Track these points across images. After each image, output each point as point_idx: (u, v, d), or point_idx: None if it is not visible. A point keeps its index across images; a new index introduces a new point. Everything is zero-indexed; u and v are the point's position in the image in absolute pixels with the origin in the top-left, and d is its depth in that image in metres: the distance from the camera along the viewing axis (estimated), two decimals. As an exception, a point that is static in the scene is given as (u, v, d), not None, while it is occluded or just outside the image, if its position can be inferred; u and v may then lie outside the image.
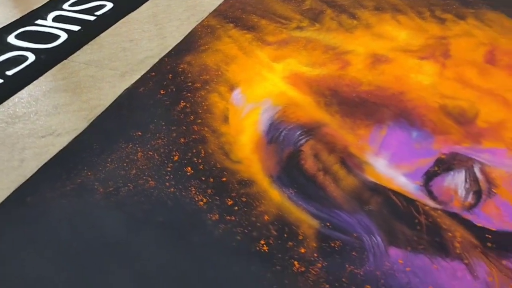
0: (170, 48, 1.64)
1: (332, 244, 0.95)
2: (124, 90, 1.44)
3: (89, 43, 1.70)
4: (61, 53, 1.65)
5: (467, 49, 1.52)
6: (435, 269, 0.90)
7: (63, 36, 1.75)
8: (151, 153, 1.20)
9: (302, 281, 0.89)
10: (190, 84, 1.46)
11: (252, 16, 1.79)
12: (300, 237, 0.97)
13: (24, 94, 1.45)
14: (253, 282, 0.89)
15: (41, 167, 1.17)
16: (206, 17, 1.80)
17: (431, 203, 1.03)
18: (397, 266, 0.91)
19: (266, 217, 1.02)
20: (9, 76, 1.53)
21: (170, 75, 1.50)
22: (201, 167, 1.15)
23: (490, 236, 0.95)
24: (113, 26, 1.78)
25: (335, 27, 1.69)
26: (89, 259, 0.95)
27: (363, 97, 1.35)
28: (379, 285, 0.88)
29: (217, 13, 1.83)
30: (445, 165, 1.11)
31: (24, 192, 1.11)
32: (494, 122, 1.23)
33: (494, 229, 0.96)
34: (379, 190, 1.07)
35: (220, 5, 1.88)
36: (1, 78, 1.52)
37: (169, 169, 1.15)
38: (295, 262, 0.92)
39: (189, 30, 1.73)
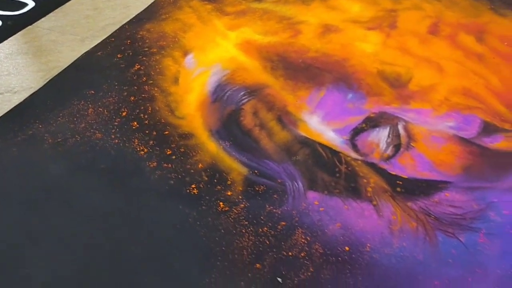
0: (132, 16, 1.72)
1: (257, 189, 1.05)
2: (83, 54, 1.53)
3: (55, 10, 1.78)
4: (27, 20, 1.73)
5: (413, 21, 1.61)
6: (345, 209, 1.00)
7: (31, 4, 1.83)
8: (101, 109, 1.29)
9: (224, 219, 0.99)
10: (146, 49, 1.54)
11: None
12: (229, 182, 1.07)
13: (-13, 56, 1.53)
14: (178, 220, 0.99)
15: (-3, 120, 1.26)
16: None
17: (353, 154, 1.13)
18: (312, 206, 1.01)
19: (200, 165, 1.12)
20: (-26, 39, 1.62)
21: (129, 41, 1.58)
22: (146, 122, 1.25)
23: (400, 183, 1.05)
24: (79, -5, 1.86)
25: (293, 0, 1.78)
26: (33, 202, 1.04)
27: (308, 63, 1.44)
28: (293, 222, 0.98)
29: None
30: (372, 122, 1.21)
31: (-22, 141, 1.20)
32: (425, 85, 1.33)
33: (405, 177, 1.06)
34: (308, 143, 1.17)
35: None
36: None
37: (116, 123, 1.24)
38: (221, 203, 1.02)
39: (152, 0, 1.81)
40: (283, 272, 0.88)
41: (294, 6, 1.73)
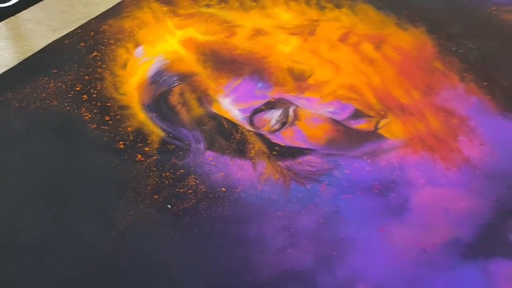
0: (100, 13, 2.10)
1: (168, 147, 1.43)
2: (53, 41, 1.90)
3: (35, 5, 2.16)
4: (11, 11, 2.11)
5: (329, 30, 1.99)
6: (231, 164, 1.37)
7: (16, -2, 2.20)
8: (60, 84, 1.67)
9: (139, 166, 1.36)
10: (106, 40, 1.92)
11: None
12: (148, 142, 1.44)
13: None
14: (106, 165, 1.36)
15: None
16: (134, -9, 2.26)
17: (248, 127, 1.50)
18: (206, 161, 1.38)
19: (129, 129, 1.49)
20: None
21: (92, 33, 1.96)
22: (94, 95, 1.62)
23: (277, 148, 1.42)
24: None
25: (237, 7, 2.16)
26: (-3, 145, 1.41)
27: (234, 58, 1.82)
28: (189, 170, 1.35)
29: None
30: (270, 105, 1.59)
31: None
32: (321, 81, 1.70)
33: (283, 145, 1.44)
34: (216, 118, 1.54)
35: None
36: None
37: (70, 95, 1.62)
38: (139, 155, 1.39)
39: (119, 0, 2.19)
40: (173, 202, 1.25)
41: (236, 13, 2.11)
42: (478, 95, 1.61)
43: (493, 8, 2.12)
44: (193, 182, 1.30)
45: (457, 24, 2.01)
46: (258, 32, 1.97)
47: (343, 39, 1.92)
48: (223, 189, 1.28)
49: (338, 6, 2.15)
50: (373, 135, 1.46)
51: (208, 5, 2.16)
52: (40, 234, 1.17)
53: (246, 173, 1.33)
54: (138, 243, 1.14)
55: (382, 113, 1.54)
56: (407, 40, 1.91)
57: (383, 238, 1.16)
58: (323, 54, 1.83)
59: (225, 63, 1.78)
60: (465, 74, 1.71)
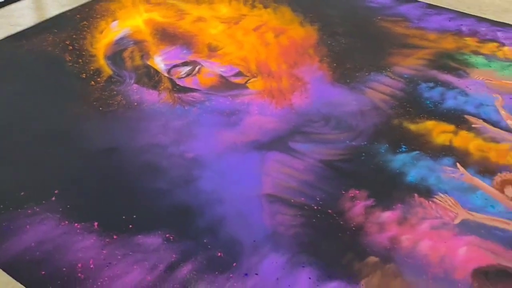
0: (96, -3, 3.11)
1: (112, 80, 2.40)
2: (60, 13, 2.91)
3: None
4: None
5: (250, 22, 2.93)
6: (146, 92, 2.33)
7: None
8: (56, 38, 2.66)
9: (91, 87, 2.33)
10: (94, 15, 2.92)
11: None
12: (101, 76, 2.42)
13: None
14: (72, 85, 2.33)
15: None
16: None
17: (166, 74, 2.46)
18: (132, 89, 2.34)
19: (92, 68, 2.47)
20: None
21: (87, 9, 2.96)
22: (76, 47, 2.62)
23: (177, 87, 2.37)
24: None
25: (193, 1, 3.13)
26: None
27: (176, 34, 2.78)
28: (119, 93, 2.31)
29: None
30: (185, 63, 2.54)
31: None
32: (226, 52, 2.64)
33: (181, 85, 2.38)
34: (148, 67, 2.50)
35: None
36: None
37: (60, 45, 2.61)
38: (92, 82, 2.37)
39: (112, -10, 3.19)
40: (104, 106, 2.22)
41: (190, 5, 3.07)
42: (324, 71, 2.52)
43: (379, 17, 3.01)
44: (119, 98, 2.26)
45: (343, 27, 2.91)
46: (199, 19, 2.93)
47: (256, 29, 2.86)
48: (136, 104, 2.24)
49: (265, 6, 3.09)
50: (242, 86, 2.40)
51: (173, -2, 3.14)
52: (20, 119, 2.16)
53: (153, 97, 2.29)
54: (81, 122, 2.11)
55: (255, 75, 2.47)
56: (300, 33, 2.83)
57: (217, 137, 2.09)
58: (236, 37, 2.77)
59: (168, 36, 2.75)
60: (325, 58, 2.62)
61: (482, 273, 1.54)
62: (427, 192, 1.81)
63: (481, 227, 1.69)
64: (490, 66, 2.52)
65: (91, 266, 1.51)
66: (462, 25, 2.91)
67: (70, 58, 2.49)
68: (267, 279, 1.50)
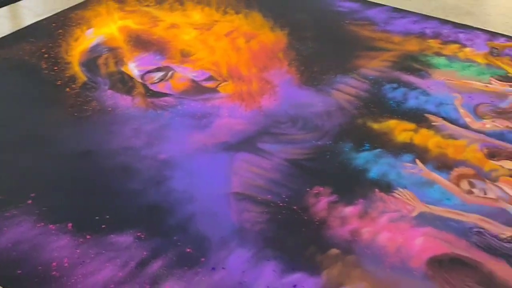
0: (74, 4, 3.18)
1: (87, 86, 2.47)
2: (35, 21, 2.98)
3: (29, -4, 3.24)
4: (12, -1, 3.19)
5: (222, 28, 3.02)
6: (120, 97, 2.40)
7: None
8: (33, 47, 2.73)
9: (66, 94, 2.40)
10: (70, 23, 2.99)
11: (126, -5, 3.31)
12: (75, 82, 2.49)
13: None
14: (48, 91, 2.39)
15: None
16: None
17: (140, 80, 2.54)
18: (106, 94, 2.41)
19: (67, 74, 2.54)
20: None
21: (62, 18, 3.03)
22: (52, 55, 2.68)
23: (150, 92, 2.45)
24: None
25: (166, 8, 3.21)
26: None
27: (149, 40, 2.86)
28: (94, 98, 2.38)
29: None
30: (159, 69, 2.62)
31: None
32: (198, 58, 2.73)
33: (154, 90, 2.46)
34: (122, 73, 2.58)
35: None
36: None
37: (37, 54, 2.68)
38: (68, 88, 2.44)
39: (87, -2, 3.27)
40: (79, 112, 2.29)
41: (164, 12, 3.16)
42: (292, 74, 2.62)
43: (347, 21, 3.12)
44: (94, 104, 2.34)
45: (312, 31, 3.02)
46: (172, 26, 3.01)
47: (228, 34, 2.95)
48: (110, 109, 2.31)
49: (237, 12, 3.19)
50: (213, 90, 2.49)
51: (147, 5, 3.22)
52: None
53: (127, 102, 2.37)
54: (56, 127, 2.17)
55: (226, 79, 2.56)
56: (270, 38, 2.93)
57: (188, 139, 2.17)
58: (208, 43, 2.86)
59: (142, 43, 2.83)
60: (293, 62, 2.72)
61: (437, 261, 1.64)
62: (388, 187, 1.91)
63: (437, 219, 1.79)
64: (451, 67, 2.65)
65: (66, 265, 1.58)
66: (426, 27, 3.03)
67: (46, 66, 2.56)
68: (233, 272, 1.59)
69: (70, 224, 1.71)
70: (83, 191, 1.86)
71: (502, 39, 2.92)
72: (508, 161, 2.01)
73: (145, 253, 1.64)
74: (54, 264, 1.58)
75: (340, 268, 1.62)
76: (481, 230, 1.74)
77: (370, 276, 1.59)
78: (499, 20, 3.12)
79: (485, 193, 1.87)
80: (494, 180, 1.94)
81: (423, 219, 1.80)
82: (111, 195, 1.85)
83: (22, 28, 2.89)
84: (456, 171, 1.97)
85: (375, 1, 3.32)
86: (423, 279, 1.59)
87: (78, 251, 1.63)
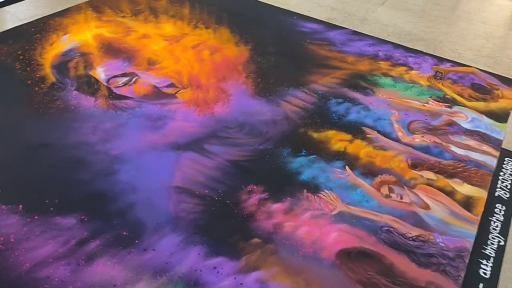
0: (55, 11, 3.41)
1: (55, 86, 2.68)
2: (16, 26, 3.20)
3: (17, 3, 3.48)
4: (2, 4, 3.43)
5: (190, 41, 3.26)
6: (84, 98, 2.62)
7: (2, -3, 3.53)
8: (10, 49, 2.95)
9: (34, 93, 2.62)
10: (47, 29, 3.22)
11: (106, 7, 3.55)
12: (44, 82, 2.70)
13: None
14: (19, 90, 2.61)
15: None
16: (86, 2, 3.57)
17: (105, 83, 2.76)
18: (72, 95, 2.63)
19: (38, 75, 2.76)
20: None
21: (41, 24, 3.26)
22: (26, 57, 2.90)
23: (113, 94, 2.67)
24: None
25: (141, 19, 3.45)
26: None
27: (120, 48, 3.09)
28: (59, 98, 2.60)
29: (94, 3, 3.60)
30: (124, 74, 2.84)
31: None
32: (163, 66, 2.96)
33: (117, 93, 2.68)
34: (89, 76, 2.80)
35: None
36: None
37: (13, 55, 2.90)
38: (36, 88, 2.65)
39: (71, 5, 3.50)
40: (44, 108, 2.50)
41: (138, 23, 3.39)
42: (248, 85, 2.85)
43: (307, 40, 3.37)
44: (59, 103, 2.55)
45: (274, 47, 3.26)
46: (144, 36, 3.25)
47: (195, 46, 3.18)
48: (73, 107, 2.53)
49: (207, 27, 3.43)
50: (172, 96, 2.71)
51: (123, 16, 3.46)
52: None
53: (89, 103, 2.58)
54: (20, 121, 2.38)
55: (186, 86, 2.79)
56: (233, 52, 3.17)
57: (141, 137, 2.38)
58: (175, 53, 3.09)
59: (112, 50, 3.06)
60: (251, 74, 2.95)
61: (345, 253, 1.84)
62: (315, 189, 2.12)
63: (353, 217, 2.00)
64: (395, 87, 2.88)
65: (12, 240, 1.77)
66: (379, 50, 3.28)
67: (19, 66, 2.78)
68: (162, 253, 1.79)
69: (21, 206, 1.91)
70: (37, 179, 2.06)
71: (448, 64, 3.16)
72: (428, 171, 2.23)
73: (85, 233, 1.83)
74: (1, 238, 1.77)
75: (258, 255, 1.82)
76: (391, 229, 1.95)
77: (283, 262, 1.79)
78: (449, 47, 3.37)
79: (401, 198, 2.08)
80: (412, 187, 2.16)
81: (341, 217, 2.00)
82: (63, 183, 2.05)
83: (3, 32, 3.11)
84: (380, 178, 2.19)
85: (337, 24, 3.57)
86: (330, 267, 1.79)
87: (25, 229, 1.83)
